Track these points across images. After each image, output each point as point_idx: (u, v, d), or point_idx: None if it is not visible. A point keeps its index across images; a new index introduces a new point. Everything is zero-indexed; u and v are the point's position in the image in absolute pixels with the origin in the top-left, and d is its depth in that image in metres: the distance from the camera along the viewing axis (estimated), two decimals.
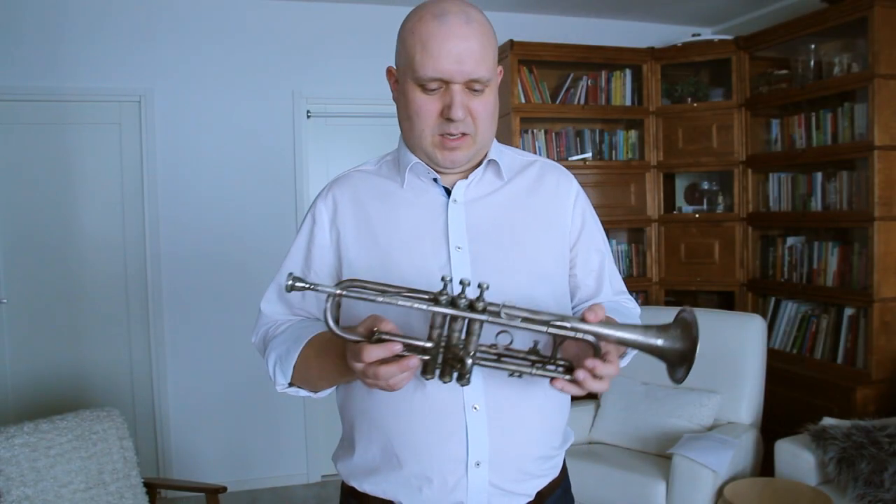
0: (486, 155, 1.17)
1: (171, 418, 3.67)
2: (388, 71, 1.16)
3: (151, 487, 2.52)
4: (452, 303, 0.91)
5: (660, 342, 0.92)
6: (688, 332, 0.90)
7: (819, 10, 3.27)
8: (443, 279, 0.92)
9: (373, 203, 1.16)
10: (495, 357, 0.96)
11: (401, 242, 1.12)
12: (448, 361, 0.94)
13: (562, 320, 0.93)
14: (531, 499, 1.14)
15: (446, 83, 1.05)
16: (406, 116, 1.11)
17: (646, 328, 0.93)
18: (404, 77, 1.09)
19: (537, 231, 1.17)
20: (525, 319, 0.92)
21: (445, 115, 1.06)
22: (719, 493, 2.54)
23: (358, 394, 1.13)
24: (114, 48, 3.54)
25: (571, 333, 0.93)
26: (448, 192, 1.16)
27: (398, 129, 1.19)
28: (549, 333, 0.93)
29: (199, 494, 2.69)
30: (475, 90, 1.07)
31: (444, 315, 0.92)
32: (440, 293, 0.91)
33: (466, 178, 1.16)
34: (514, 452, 1.10)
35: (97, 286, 3.62)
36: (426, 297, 0.92)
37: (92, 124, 3.58)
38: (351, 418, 1.17)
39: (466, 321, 0.92)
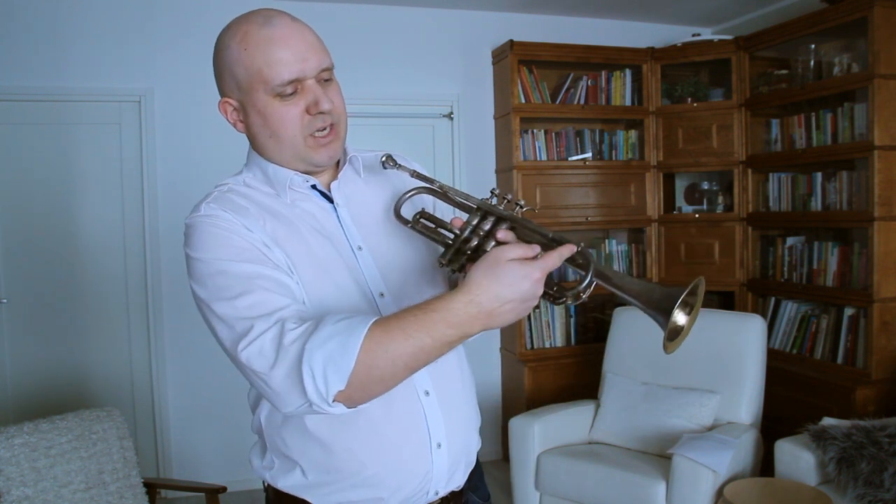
0: (344, 151, 1.19)
1: (171, 418, 3.67)
2: (224, 103, 1.11)
3: (151, 487, 2.52)
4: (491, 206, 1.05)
5: (655, 295, 0.95)
6: (671, 295, 0.93)
7: (819, 10, 3.27)
8: (492, 192, 1.06)
9: (275, 213, 1.10)
10: None
11: (313, 255, 1.10)
12: (460, 250, 1.03)
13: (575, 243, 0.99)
14: (473, 466, 1.24)
15: (300, 82, 1.05)
16: (270, 134, 1.08)
17: (644, 281, 0.98)
18: (253, 97, 1.06)
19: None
20: (538, 233, 1.01)
21: (313, 112, 1.06)
22: (719, 493, 2.54)
23: (307, 419, 1.08)
24: (114, 48, 3.54)
25: (580, 260, 0.97)
26: (325, 196, 1.16)
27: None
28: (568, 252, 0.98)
29: (199, 494, 2.68)
30: (325, 80, 1.08)
31: (477, 211, 1.04)
32: (489, 199, 1.06)
33: (335, 179, 1.17)
34: (462, 428, 1.18)
35: (97, 286, 3.61)
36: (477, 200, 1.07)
37: (92, 124, 3.58)
38: (289, 444, 1.11)
39: (493, 221, 1.03)
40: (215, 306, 1.00)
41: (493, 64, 4.04)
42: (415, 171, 1.14)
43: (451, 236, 1.08)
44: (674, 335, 0.94)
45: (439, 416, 1.12)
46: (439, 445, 1.12)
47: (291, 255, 1.07)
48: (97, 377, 3.61)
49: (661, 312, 0.93)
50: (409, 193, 1.16)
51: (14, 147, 3.48)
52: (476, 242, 1.02)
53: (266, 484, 1.19)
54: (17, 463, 2.18)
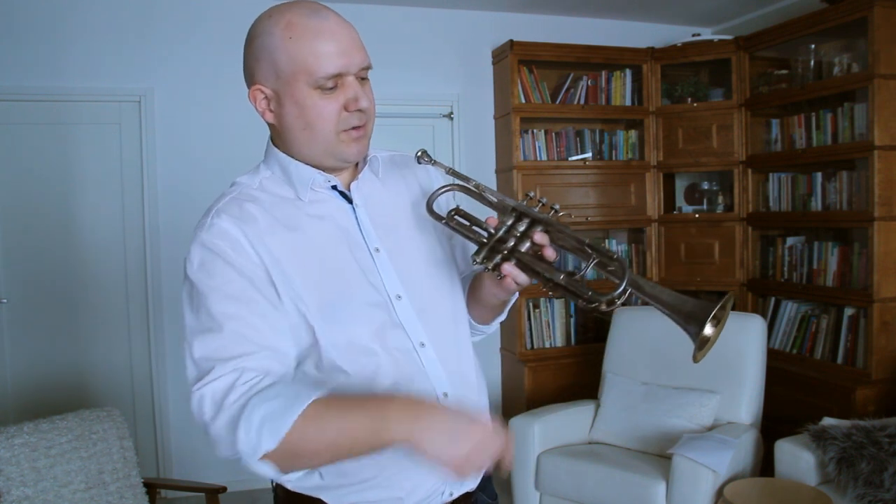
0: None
1: (171, 418, 3.67)
2: (255, 90, 1.08)
3: (151, 487, 2.52)
4: (525, 209, 1.06)
5: (687, 305, 0.97)
6: (704, 307, 0.96)
7: (819, 10, 3.27)
8: (526, 195, 1.08)
9: (282, 222, 1.08)
10: (532, 257, 1.05)
11: (327, 257, 1.10)
12: (495, 249, 1.05)
13: (609, 257, 1.01)
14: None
15: (342, 77, 1.05)
16: (304, 126, 1.06)
17: (679, 296, 0.99)
18: (292, 87, 1.04)
19: (421, 219, 1.21)
20: (574, 238, 1.04)
21: (352, 108, 1.06)
22: (719, 493, 2.54)
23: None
24: (114, 48, 3.54)
25: (615, 267, 0.99)
26: (344, 195, 1.16)
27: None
28: (592, 261, 1.02)
29: (199, 494, 2.68)
30: (363, 78, 1.09)
31: (513, 212, 1.05)
32: (524, 200, 1.07)
33: (354, 179, 1.16)
34: (464, 375, 1.18)
35: (97, 286, 3.61)
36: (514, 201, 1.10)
37: (92, 124, 3.58)
38: None
39: (528, 223, 1.05)
40: (189, 337, 1.02)
41: (493, 64, 4.04)
42: (451, 169, 1.16)
43: (486, 235, 1.09)
44: (702, 345, 0.96)
45: (439, 364, 1.13)
46: (445, 394, 1.12)
47: (297, 266, 1.06)
48: (97, 377, 3.61)
49: (694, 323, 0.95)
50: (443, 189, 1.16)
51: (14, 147, 3.48)
52: (512, 243, 1.04)
53: (275, 483, 1.17)
54: (17, 463, 2.18)
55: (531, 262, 1.04)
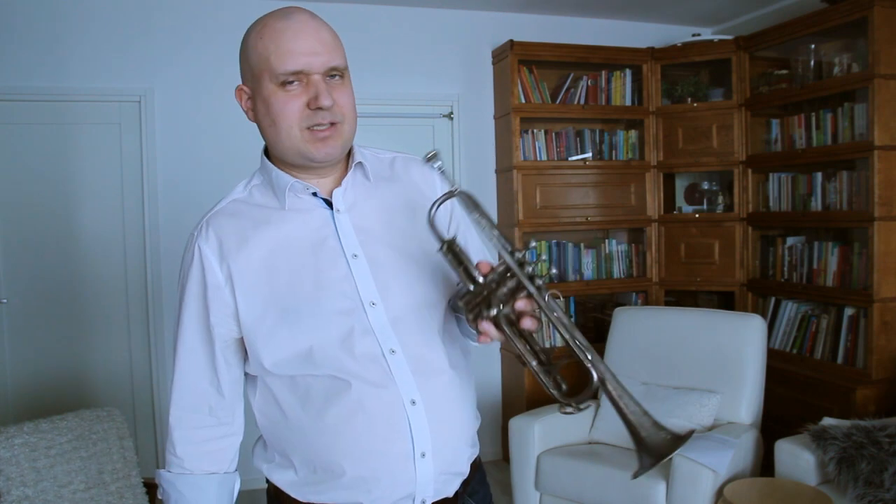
0: (351, 157, 1.19)
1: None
2: (239, 90, 1.15)
3: (151, 487, 2.51)
4: (521, 264, 0.97)
5: (645, 430, 0.91)
6: (665, 445, 0.90)
7: (819, 10, 3.27)
8: (525, 246, 1.03)
9: (259, 231, 1.13)
10: (512, 328, 0.99)
11: (299, 264, 1.12)
12: (482, 302, 0.99)
13: (587, 349, 0.94)
14: (466, 475, 1.22)
15: (306, 76, 1.07)
16: (270, 122, 1.10)
17: (646, 414, 0.93)
18: (260, 84, 1.09)
19: (417, 224, 1.18)
20: (561, 324, 0.96)
21: (313, 106, 1.07)
22: (719, 493, 2.54)
23: (292, 420, 1.14)
24: (114, 48, 3.54)
25: (588, 366, 0.94)
26: (327, 203, 1.16)
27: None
28: (572, 346, 0.96)
29: None
30: (334, 79, 1.10)
31: (504, 266, 0.98)
32: (520, 250, 0.98)
33: (340, 185, 1.17)
34: (452, 437, 1.16)
35: (97, 286, 3.61)
36: (511, 247, 0.99)
37: (92, 124, 3.58)
38: (283, 442, 1.17)
39: (516, 284, 0.97)
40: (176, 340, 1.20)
41: (493, 64, 4.04)
42: (458, 189, 1.06)
43: (475, 280, 1.01)
44: (648, 469, 0.92)
45: (425, 425, 1.11)
46: (423, 455, 1.11)
47: (262, 280, 1.11)
48: (97, 377, 3.61)
49: (648, 455, 0.90)
50: (441, 200, 1.07)
51: (14, 147, 3.48)
52: (494, 300, 0.98)
53: (268, 481, 1.23)
54: (17, 463, 2.18)
55: (511, 335, 0.98)
